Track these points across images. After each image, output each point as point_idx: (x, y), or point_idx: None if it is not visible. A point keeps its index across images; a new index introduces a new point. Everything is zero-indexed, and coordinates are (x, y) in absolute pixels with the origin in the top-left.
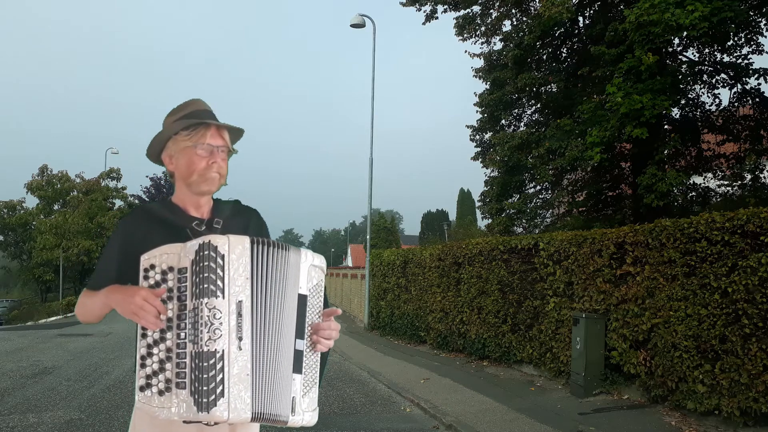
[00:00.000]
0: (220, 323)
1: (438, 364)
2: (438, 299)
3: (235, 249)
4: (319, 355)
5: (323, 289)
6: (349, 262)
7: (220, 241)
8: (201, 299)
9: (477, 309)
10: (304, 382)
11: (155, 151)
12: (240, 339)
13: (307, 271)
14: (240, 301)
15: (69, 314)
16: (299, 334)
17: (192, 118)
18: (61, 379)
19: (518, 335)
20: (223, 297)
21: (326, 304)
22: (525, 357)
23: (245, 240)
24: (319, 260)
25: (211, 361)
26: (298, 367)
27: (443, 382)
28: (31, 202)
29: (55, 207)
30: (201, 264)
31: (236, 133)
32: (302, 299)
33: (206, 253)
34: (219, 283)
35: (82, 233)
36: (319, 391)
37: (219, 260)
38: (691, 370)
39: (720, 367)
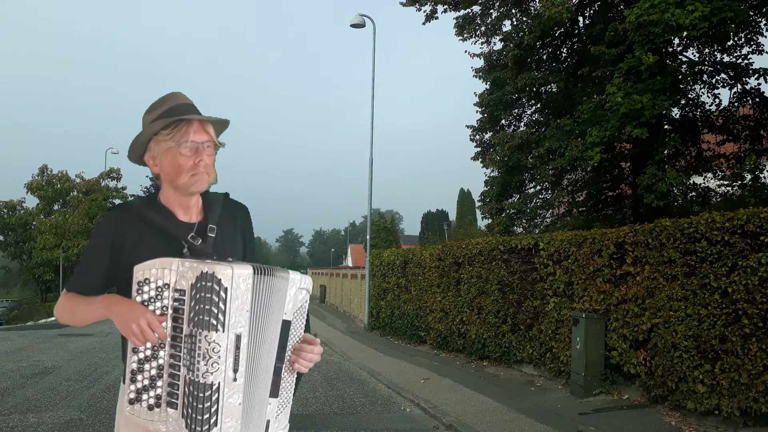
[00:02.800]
0: (218, 356)
1: (438, 364)
2: (438, 299)
3: (238, 283)
4: (295, 376)
5: (306, 311)
6: (349, 262)
7: (224, 274)
8: (200, 330)
9: (477, 309)
10: (279, 404)
11: (137, 154)
12: (236, 371)
13: (294, 295)
14: (239, 335)
15: None
16: (279, 358)
17: (172, 114)
18: (61, 379)
19: (518, 335)
20: (223, 330)
21: (307, 324)
22: (525, 357)
23: (248, 271)
24: (306, 282)
25: (207, 393)
26: (275, 392)
27: (443, 382)
28: (31, 202)
29: (55, 207)
30: (201, 294)
31: (221, 125)
32: (286, 325)
33: (208, 284)
34: (220, 316)
35: (82, 233)
36: (319, 391)
37: (222, 294)
38: (691, 370)
39: (720, 367)
